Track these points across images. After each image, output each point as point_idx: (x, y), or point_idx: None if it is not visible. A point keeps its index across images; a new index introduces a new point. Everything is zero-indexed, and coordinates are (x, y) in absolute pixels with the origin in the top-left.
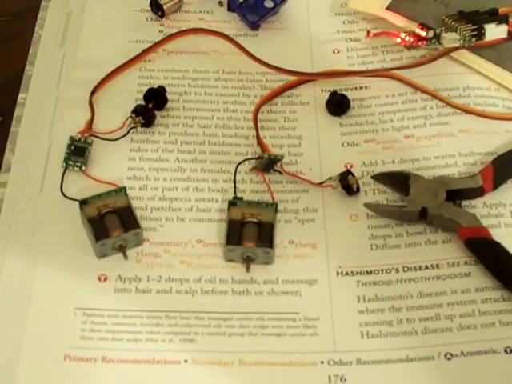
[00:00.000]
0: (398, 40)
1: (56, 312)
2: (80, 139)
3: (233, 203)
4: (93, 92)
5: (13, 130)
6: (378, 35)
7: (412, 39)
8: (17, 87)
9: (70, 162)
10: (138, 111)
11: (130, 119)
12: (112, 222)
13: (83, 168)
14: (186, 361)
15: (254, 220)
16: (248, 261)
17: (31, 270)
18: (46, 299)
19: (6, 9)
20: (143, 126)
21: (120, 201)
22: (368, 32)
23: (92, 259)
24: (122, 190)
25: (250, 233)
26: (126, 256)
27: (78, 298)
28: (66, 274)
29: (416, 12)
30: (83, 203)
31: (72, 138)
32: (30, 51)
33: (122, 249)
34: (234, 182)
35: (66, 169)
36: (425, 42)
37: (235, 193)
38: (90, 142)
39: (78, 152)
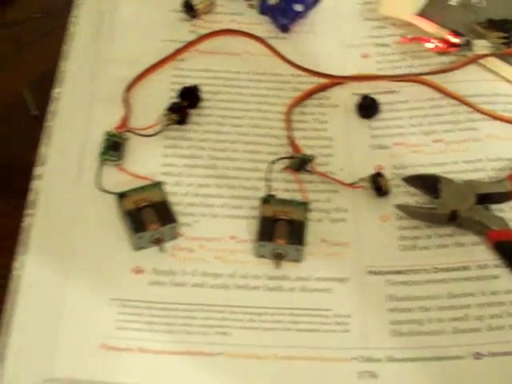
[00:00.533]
0: (430, 46)
1: (93, 301)
2: (116, 134)
3: (266, 200)
4: (128, 89)
5: (48, 124)
6: (411, 41)
7: (443, 45)
8: (51, 82)
9: (106, 157)
10: (172, 109)
11: (164, 116)
12: (149, 216)
13: (119, 163)
14: (220, 353)
15: (286, 218)
16: (278, 257)
17: (67, 260)
18: (83, 289)
19: (39, 6)
20: (177, 123)
21: (156, 195)
22: (402, 37)
23: (127, 252)
24: (158, 185)
25: (281, 230)
26: (162, 249)
27: (114, 289)
28: (101, 266)
29: (446, 19)
30: (121, 196)
31: (109, 133)
32: (64, 48)
33: (158, 242)
34: (268, 179)
35: (102, 163)
36: (456, 49)
37: (269, 190)
38: (125, 137)
39: (114, 147)
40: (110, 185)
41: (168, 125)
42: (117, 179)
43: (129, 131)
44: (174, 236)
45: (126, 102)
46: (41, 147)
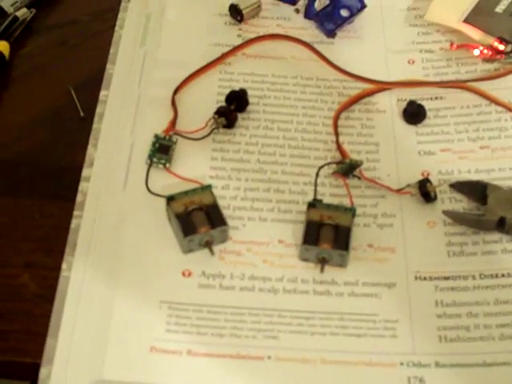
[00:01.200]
0: (477, 53)
1: (142, 304)
2: (165, 137)
3: (312, 205)
4: (175, 92)
5: (95, 126)
6: (459, 47)
7: (490, 52)
8: (98, 85)
9: (155, 159)
10: (220, 112)
11: (212, 120)
12: (199, 219)
13: (167, 165)
14: (269, 357)
15: (332, 223)
16: (323, 262)
17: (116, 261)
18: (132, 291)
19: (85, 9)
20: (225, 126)
21: (206, 198)
22: (451, 44)
23: (176, 254)
24: (208, 188)
25: (326, 235)
26: (212, 252)
27: (163, 292)
28: (150, 268)
29: (492, 26)
30: (170, 199)
31: (157, 136)
32: (111, 50)
33: (208, 245)
34: (315, 184)
35: (150, 165)
36: (503, 56)
37: (315, 195)
38: (174, 140)
39: (162, 150)
40: (159, 187)
41: (216, 128)
42: (165, 182)
43: (177, 134)
44: (224, 239)
45: (174, 105)
46: (88, 149)
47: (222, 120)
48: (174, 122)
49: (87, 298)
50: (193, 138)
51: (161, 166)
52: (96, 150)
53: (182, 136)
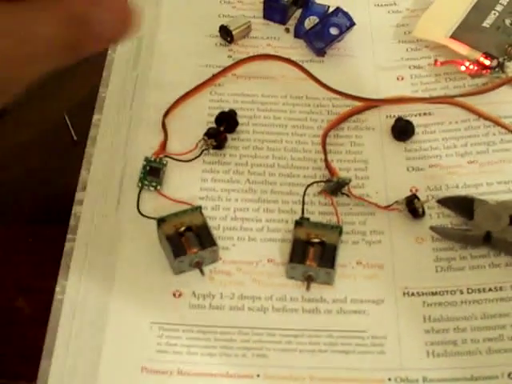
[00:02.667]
0: (463, 68)
1: (133, 326)
2: (155, 160)
3: (299, 223)
4: (166, 114)
5: (88, 149)
6: (444, 64)
7: (476, 67)
8: (91, 108)
9: (146, 182)
10: (210, 134)
11: (202, 141)
12: (189, 240)
13: (158, 188)
14: (258, 375)
15: (318, 241)
16: (309, 279)
17: (109, 285)
18: (123, 313)
19: None
20: (215, 148)
21: (196, 219)
22: (436, 61)
23: (167, 275)
24: (197, 209)
25: (313, 253)
26: (202, 272)
27: (154, 313)
28: (142, 290)
29: (479, 41)
30: (161, 221)
31: (147, 159)
32: (104, 74)
33: (198, 265)
34: (303, 202)
35: (141, 188)
36: (489, 71)
37: (303, 213)
38: (164, 162)
39: (153, 172)
40: (150, 209)
41: (206, 150)
42: (156, 204)
43: (167, 156)
44: (214, 259)
45: (164, 128)
46: (82, 173)
47: (212, 141)
48: (164, 145)
49: (80, 320)
50: (183, 160)
51: (152, 188)
52: (89, 174)
53: (172, 158)
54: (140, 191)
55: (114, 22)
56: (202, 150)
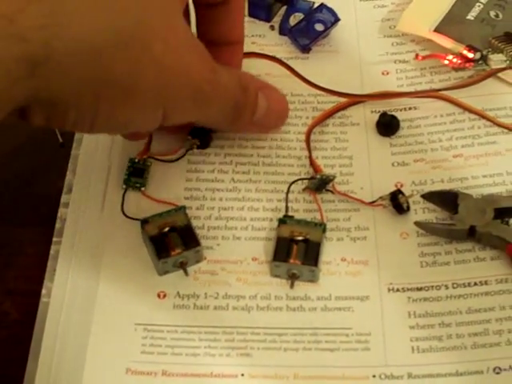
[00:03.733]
0: (446, 62)
1: (117, 327)
2: (139, 161)
3: (283, 221)
4: None
5: (73, 152)
6: (426, 58)
7: (459, 61)
8: None
9: (130, 183)
10: (194, 133)
11: (187, 141)
12: (173, 241)
13: (142, 188)
14: (242, 375)
15: (302, 238)
16: (293, 277)
17: (94, 286)
18: (108, 315)
19: None
20: (199, 147)
21: (180, 219)
22: (417, 55)
23: (152, 276)
24: (181, 209)
25: (296, 251)
26: (186, 273)
27: (139, 314)
28: (127, 291)
29: (463, 33)
30: (144, 222)
31: (132, 160)
32: None
33: (183, 266)
34: (286, 200)
35: (126, 190)
36: (472, 64)
37: (286, 211)
38: (148, 163)
39: (137, 173)
40: (135, 210)
41: (190, 149)
42: (141, 204)
43: (151, 157)
44: (199, 259)
45: None
46: (67, 175)
47: (196, 141)
48: (148, 146)
49: (66, 323)
50: (167, 161)
51: (136, 189)
52: (75, 176)
53: (156, 159)
54: (124, 192)
55: (274, 112)
56: (187, 150)
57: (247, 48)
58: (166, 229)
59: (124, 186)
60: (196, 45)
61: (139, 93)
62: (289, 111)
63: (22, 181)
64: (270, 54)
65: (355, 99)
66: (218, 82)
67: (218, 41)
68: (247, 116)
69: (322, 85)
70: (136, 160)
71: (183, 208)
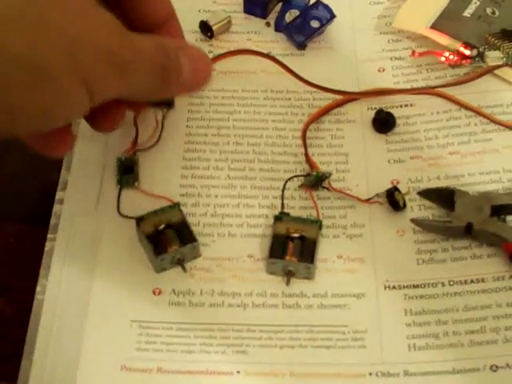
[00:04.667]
0: (442, 59)
1: (112, 324)
2: (126, 158)
3: (278, 218)
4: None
5: None
6: (422, 55)
7: (456, 58)
8: None
9: (122, 181)
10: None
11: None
12: (169, 237)
13: (136, 184)
14: (238, 372)
15: (298, 235)
16: (289, 275)
17: (89, 284)
18: (103, 312)
19: None
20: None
21: (175, 216)
22: (413, 52)
23: (147, 273)
24: (176, 206)
25: (292, 248)
26: (184, 269)
27: (134, 311)
28: (122, 288)
29: (459, 30)
30: (139, 220)
31: (119, 159)
32: None
33: (180, 262)
34: (282, 197)
35: (120, 189)
36: (469, 61)
37: (282, 208)
38: (136, 158)
39: (127, 170)
40: (130, 208)
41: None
42: (136, 201)
43: (138, 151)
44: (196, 255)
45: (136, 125)
46: (62, 172)
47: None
48: (135, 142)
49: (60, 320)
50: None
51: (130, 187)
52: (69, 173)
53: (142, 150)
54: (119, 192)
55: (198, 71)
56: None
57: (243, 45)
58: (162, 226)
59: (118, 186)
60: (99, 11)
61: (49, 70)
62: (212, 67)
63: (16, 177)
64: (265, 51)
65: (350, 97)
66: (134, 46)
67: (150, 24)
68: (174, 79)
69: (317, 81)
70: (123, 158)
71: (177, 205)
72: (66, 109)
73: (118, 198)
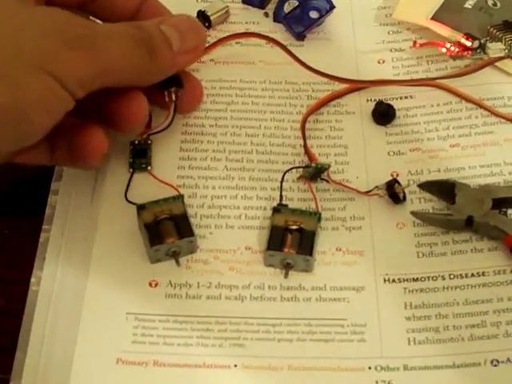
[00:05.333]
0: (444, 50)
1: (108, 316)
2: (139, 142)
3: (277, 210)
4: None
5: None
6: (423, 45)
7: (457, 49)
8: None
9: (135, 165)
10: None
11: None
12: (167, 229)
13: (149, 168)
14: (235, 365)
15: (297, 228)
16: (287, 267)
17: (84, 275)
18: (99, 304)
19: None
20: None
21: (176, 208)
22: (414, 43)
23: (143, 265)
24: (179, 198)
25: (291, 240)
26: (178, 263)
27: (130, 303)
28: (118, 280)
29: (460, 22)
30: (141, 208)
31: (133, 143)
32: None
33: (175, 255)
34: (281, 189)
35: (132, 173)
36: (470, 52)
37: (281, 200)
38: (149, 141)
39: (140, 154)
40: (132, 195)
41: (175, 99)
42: (144, 189)
43: (151, 134)
44: (193, 250)
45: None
46: None
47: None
48: (149, 125)
49: (55, 312)
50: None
51: (142, 170)
52: None
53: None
54: (131, 176)
55: (189, 31)
56: (174, 103)
57: None
58: (162, 217)
59: (131, 170)
60: (34, 8)
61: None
62: (202, 27)
63: (10, 167)
64: (264, 43)
65: (355, 85)
66: (91, 24)
67: (125, 14)
68: (165, 50)
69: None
70: (136, 142)
71: (181, 197)
72: (39, 105)
73: (129, 182)
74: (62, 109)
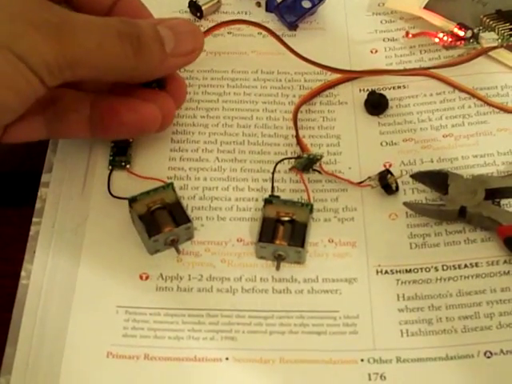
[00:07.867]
0: (436, 40)
1: (98, 310)
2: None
3: (268, 201)
4: None
5: None
6: (416, 35)
7: (450, 39)
8: None
9: (115, 163)
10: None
11: None
12: (163, 218)
13: (128, 166)
14: (227, 358)
15: (288, 219)
16: (279, 259)
17: (74, 268)
18: (89, 297)
19: None
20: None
21: (168, 196)
22: (407, 33)
23: (134, 258)
24: (169, 186)
25: (282, 231)
26: (178, 251)
27: (120, 296)
28: (108, 272)
29: (453, 11)
30: (132, 201)
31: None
32: None
33: (174, 243)
34: (272, 180)
35: (111, 171)
36: (463, 42)
37: (272, 191)
38: (130, 140)
39: (121, 152)
40: (120, 190)
41: None
42: (127, 184)
43: None
44: (190, 236)
45: None
46: (48, 154)
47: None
48: None
49: (45, 306)
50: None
51: (122, 168)
52: (55, 155)
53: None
54: (110, 174)
55: (185, 33)
56: None
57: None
58: (155, 207)
59: (110, 167)
60: None
61: None
62: (200, 32)
63: (0, 159)
64: (256, 32)
65: (347, 75)
66: (64, 11)
67: (104, 9)
68: (155, 49)
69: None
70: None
71: (171, 185)
72: (4, 84)
73: (109, 180)
74: (30, 91)
